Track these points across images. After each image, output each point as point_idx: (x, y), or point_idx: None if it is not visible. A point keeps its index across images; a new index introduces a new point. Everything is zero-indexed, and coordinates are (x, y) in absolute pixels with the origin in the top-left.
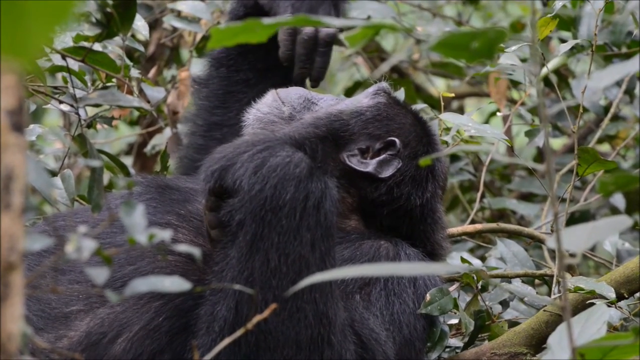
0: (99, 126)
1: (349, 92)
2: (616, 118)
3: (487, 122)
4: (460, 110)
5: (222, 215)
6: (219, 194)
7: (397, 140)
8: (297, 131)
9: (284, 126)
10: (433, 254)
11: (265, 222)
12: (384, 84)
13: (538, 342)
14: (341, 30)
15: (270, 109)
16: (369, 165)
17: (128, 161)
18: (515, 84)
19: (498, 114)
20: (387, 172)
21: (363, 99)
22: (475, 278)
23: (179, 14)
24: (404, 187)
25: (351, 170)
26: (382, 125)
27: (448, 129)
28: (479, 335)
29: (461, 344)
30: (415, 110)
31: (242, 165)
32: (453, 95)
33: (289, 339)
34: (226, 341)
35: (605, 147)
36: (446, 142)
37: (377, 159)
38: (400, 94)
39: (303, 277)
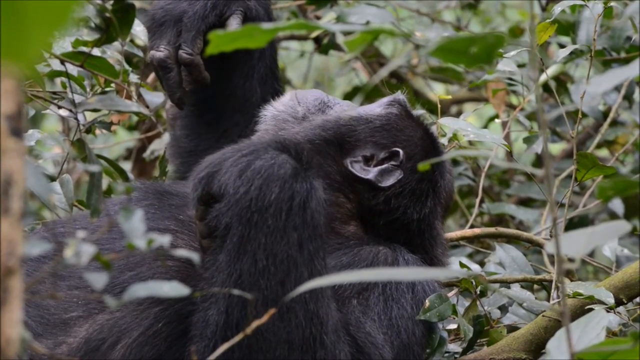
0: (97, 131)
1: (348, 97)
2: (615, 123)
3: (486, 127)
4: (459, 115)
5: (210, 220)
6: (207, 201)
7: (401, 151)
8: (304, 132)
9: (294, 125)
10: (432, 265)
11: (251, 224)
12: (401, 96)
13: (537, 347)
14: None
15: (286, 107)
16: (370, 173)
17: (127, 166)
18: (512, 84)
19: (496, 120)
20: (387, 182)
21: (376, 108)
22: (474, 283)
23: None
24: (402, 199)
25: (352, 176)
26: (389, 135)
27: (453, 138)
28: (478, 341)
29: (460, 349)
30: (428, 125)
31: (227, 170)
32: (450, 97)
33: (280, 339)
34: (222, 348)
35: (604, 153)
36: (442, 144)
37: (379, 167)
38: None
39: (291, 276)
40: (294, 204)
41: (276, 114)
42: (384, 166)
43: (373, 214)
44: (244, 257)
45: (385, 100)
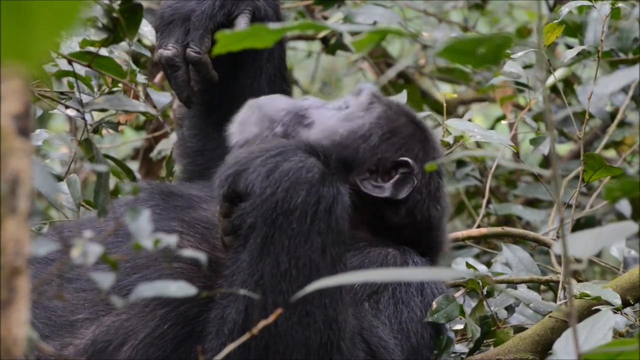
0: (105, 131)
1: None
2: (622, 124)
3: (493, 128)
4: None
5: (234, 219)
6: (232, 199)
7: (410, 160)
8: None
9: None
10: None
11: (276, 226)
12: (369, 86)
13: (544, 348)
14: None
15: (260, 129)
16: (385, 190)
17: (134, 166)
18: (521, 90)
19: (503, 121)
20: (403, 193)
21: (359, 112)
22: (480, 284)
23: None
24: (423, 204)
25: (365, 194)
26: (389, 145)
27: (459, 137)
28: (485, 341)
29: (466, 350)
30: (408, 110)
31: (254, 169)
32: (456, 95)
33: (298, 343)
34: (232, 345)
35: (611, 153)
36: (448, 143)
37: (392, 181)
38: (402, 99)
39: (313, 281)
40: (319, 208)
41: (250, 139)
42: (395, 178)
43: (399, 228)
44: (267, 259)
45: (364, 100)
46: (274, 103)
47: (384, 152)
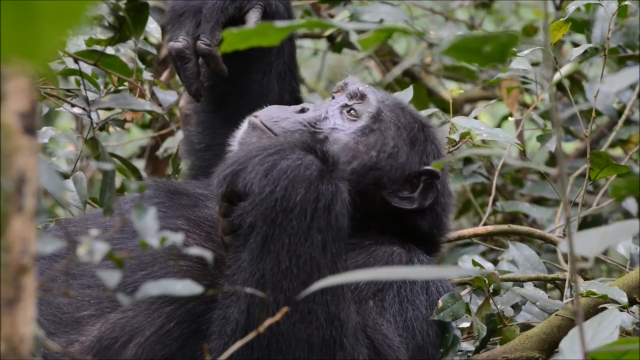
0: (111, 129)
1: None
2: (629, 122)
3: (499, 126)
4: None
5: (234, 218)
6: (231, 199)
7: (434, 170)
8: None
9: None
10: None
11: (275, 224)
12: (354, 80)
13: (550, 346)
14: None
15: None
16: (414, 201)
17: (140, 164)
18: (527, 88)
19: (510, 118)
20: (429, 200)
21: (371, 123)
22: (487, 282)
23: None
24: (446, 206)
25: (394, 208)
26: (413, 157)
27: (465, 134)
28: (491, 339)
29: (473, 348)
30: (410, 108)
31: (253, 168)
32: (462, 91)
33: (300, 341)
34: (238, 344)
35: (617, 151)
36: (454, 140)
37: (417, 191)
38: (408, 95)
39: (314, 278)
40: (319, 205)
41: None
42: (420, 187)
43: (429, 235)
44: (267, 257)
45: (372, 109)
46: (280, 124)
47: (411, 165)
